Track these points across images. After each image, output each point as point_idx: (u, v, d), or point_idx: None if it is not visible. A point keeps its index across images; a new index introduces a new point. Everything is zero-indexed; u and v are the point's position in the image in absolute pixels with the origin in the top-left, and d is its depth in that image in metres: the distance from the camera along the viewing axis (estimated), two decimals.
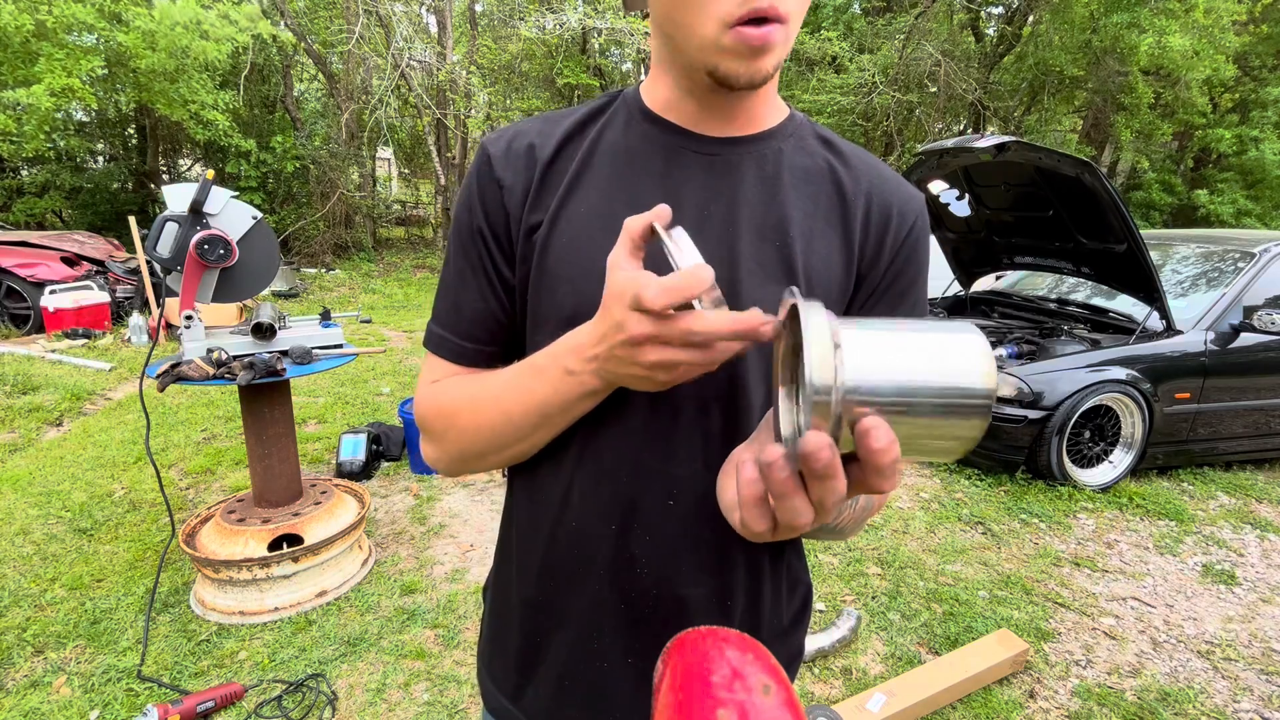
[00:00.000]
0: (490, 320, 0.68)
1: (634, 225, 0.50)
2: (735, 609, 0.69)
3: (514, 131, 0.67)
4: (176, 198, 2.19)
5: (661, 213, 0.50)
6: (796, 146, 0.68)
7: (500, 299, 0.67)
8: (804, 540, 0.84)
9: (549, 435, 0.63)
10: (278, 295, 8.52)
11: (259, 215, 2.33)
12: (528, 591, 0.72)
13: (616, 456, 0.64)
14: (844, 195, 0.67)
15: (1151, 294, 3.66)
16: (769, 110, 0.67)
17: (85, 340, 6.08)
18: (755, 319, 0.45)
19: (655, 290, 0.45)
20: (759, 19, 0.53)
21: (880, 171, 0.70)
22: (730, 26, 0.53)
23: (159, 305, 6.41)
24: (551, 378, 0.57)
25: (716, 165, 0.65)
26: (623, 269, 0.49)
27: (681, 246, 0.47)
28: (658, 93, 0.66)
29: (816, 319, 0.37)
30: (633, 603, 0.67)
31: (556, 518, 0.68)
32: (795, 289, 0.43)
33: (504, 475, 0.78)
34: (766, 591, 0.72)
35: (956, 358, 0.37)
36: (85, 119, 11.45)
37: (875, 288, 0.68)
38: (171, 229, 2.18)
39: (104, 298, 6.53)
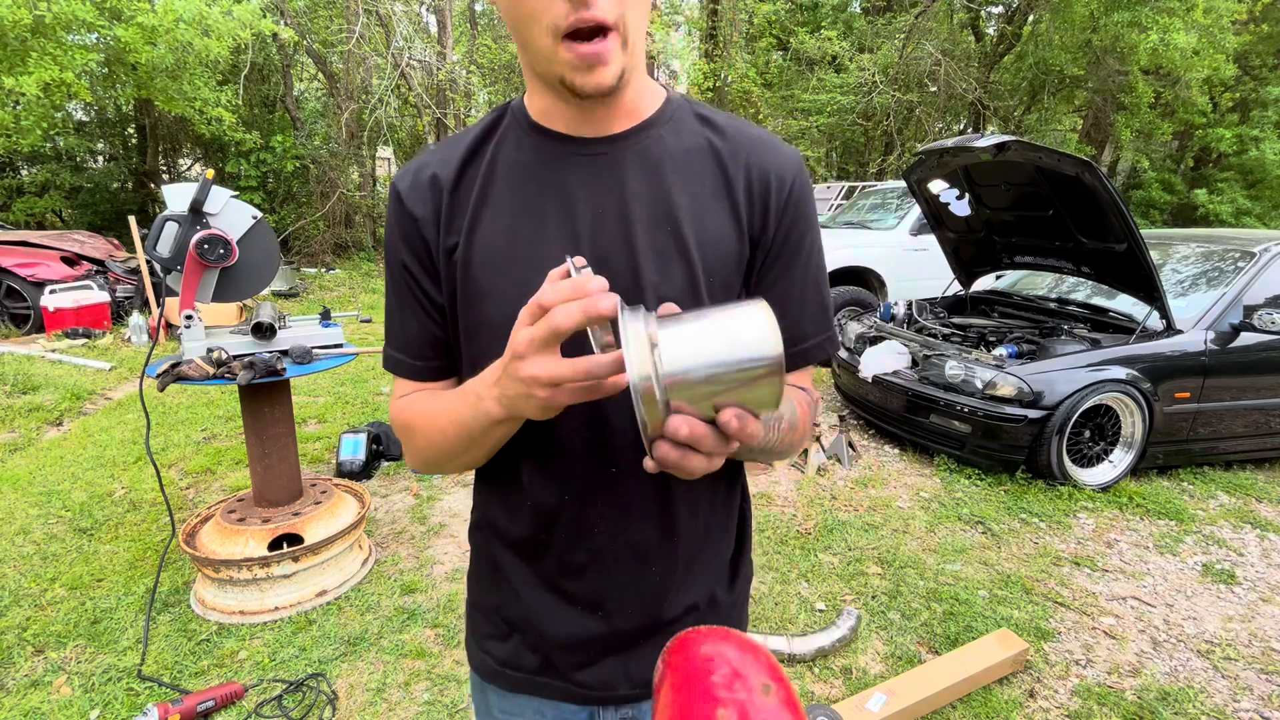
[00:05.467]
0: (431, 339, 0.75)
1: (553, 275, 0.55)
2: (681, 541, 0.77)
3: (417, 165, 0.73)
4: (176, 197, 2.19)
5: (575, 263, 0.55)
6: (675, 130, 0.72)
7: (435, 320, 0.74)
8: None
9: (481, 453, 0.69)
10: (278, 295, 8.51)
11: (259, 215, 2.33)
12: (501, 555, 0.80)
13: (564, 442, 0.71)
14: (724, 169, 0.71)
15: (1151, 293, 3.66)
16: (643, 100, 0.71)
17: (85, 340, 6.08)
18: (595, 287, 0.50)
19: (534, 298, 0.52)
20: (589, 31, 0.57)
21: (757, 139, 0.74)
22: (561, 38, 0.58)
23: (159, 305, 6.41)
24: (469, 403, 0.63)
25: (601, 164, 0.70)
26: (526, 309, 0.54)
27: (576, 271, 0.53)
28: (535, 102, 0.71)
29: (634, 325, 0.47)
30: (595, 557, 0.75)
31: (521, 494, 0.76)
32: (621, 303, 0.49)
33: None
34: (705, 520, 0.79)
35: (746, 332, 0.46)
36: (85, 118, 11.45)
37: (769, 250, 0.73)
38: (171, 228, 2.18)
39: (104, 297, 6.53)
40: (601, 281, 0.50)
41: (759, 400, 0.48)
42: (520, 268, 0.67)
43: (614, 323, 0.50)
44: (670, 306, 0.54)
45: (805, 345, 0.77)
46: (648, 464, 0.52)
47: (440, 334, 0.74)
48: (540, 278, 0.63)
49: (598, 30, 0.57)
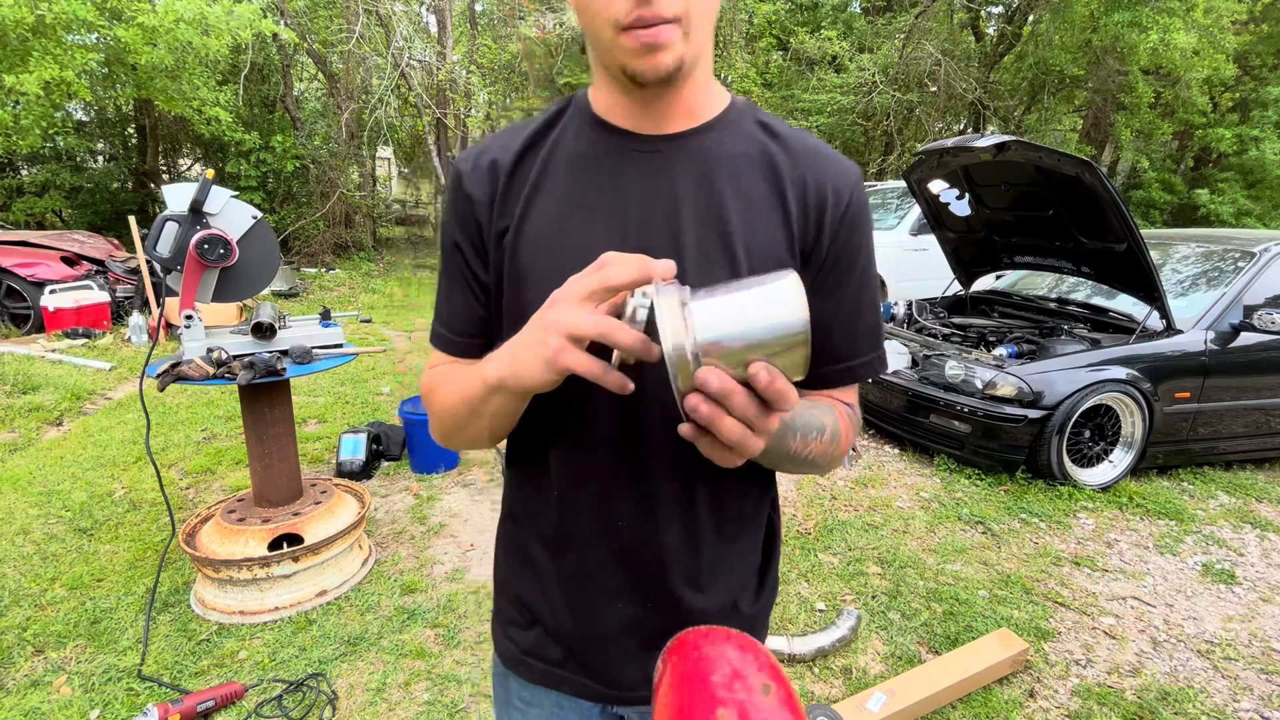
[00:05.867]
0: (475, 318, 0.76)
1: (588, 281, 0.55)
2: (705, 546, 0.77)
3: (480, 149, 0.75)
4: (176, 197, 2.19)
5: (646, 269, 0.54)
6: (734, 135, 0.72)
7: (480, 300, 0.76)
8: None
9: (483, 425, 0.69)
10: (278, 295, 8.51)
11: (259, 215, 2.33)
12: (529, 545, 0.81)
13: (592, 434, 0.72)
14: (780, 178, 0.71)
15: (1151, 293, 3.66)
16: (705, 103, 0.72)
17: (85, 340, 6.08)
18: (660, 269, 0.51)
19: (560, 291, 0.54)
20: (646, 25, 0.58)
21: (816, 151, 0.74)
22: (622, 30, 0.59)
23: (159, 305, 6.41)
24: (473, 374, 0.65)
25: (658, 163, 0.70)
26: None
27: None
28: (600, 96, 0.72)
29: (668, 294, 0.49)
30: (619, 553, 0.76)
31: (549, 485, 0.76)
32: (657, 281, 0.51)
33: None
34: (731, 528, 0.79)
35: (776, 300, 0.49)
36: (85, 118, 11.45)
37: (822, 264, 0.73)
38: (171, 228, 2.18)
39: (104, 297, 6.52)
40: (667, 264, 0.51)
41: (787, 366, 0.50)
42: (565, 257, 0.68)
43: (650, 320, 0.51)
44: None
45: (854, 363, 0.76)
46: (684, 429, 0.52)
47: (484, 314, 0.76)
48: (581, 269, 0.65)
49: (656, 23, 0.59)
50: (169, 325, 5.58)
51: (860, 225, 0.73)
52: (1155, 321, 3.75)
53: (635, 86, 0.65)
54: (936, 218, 4.72)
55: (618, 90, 0.69)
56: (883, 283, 6.26)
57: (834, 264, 0.73)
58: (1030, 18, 13.32)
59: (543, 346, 0.54)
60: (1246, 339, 3.73)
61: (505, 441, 0.81)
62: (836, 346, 0.74)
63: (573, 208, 0.70)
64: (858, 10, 14.44)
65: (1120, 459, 3.72)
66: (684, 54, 0.61)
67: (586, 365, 0.53)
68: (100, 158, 12.13)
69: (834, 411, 0.70)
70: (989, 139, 3.54)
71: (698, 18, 0.61)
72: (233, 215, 2.26)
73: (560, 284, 0.60)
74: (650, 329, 0.51)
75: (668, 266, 0.51)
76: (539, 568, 0.80)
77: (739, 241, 0.69)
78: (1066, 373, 3.53)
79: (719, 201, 0.69)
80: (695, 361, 0.48)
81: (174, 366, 2.16)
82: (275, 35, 9.08)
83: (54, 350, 5.68)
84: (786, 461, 0.66)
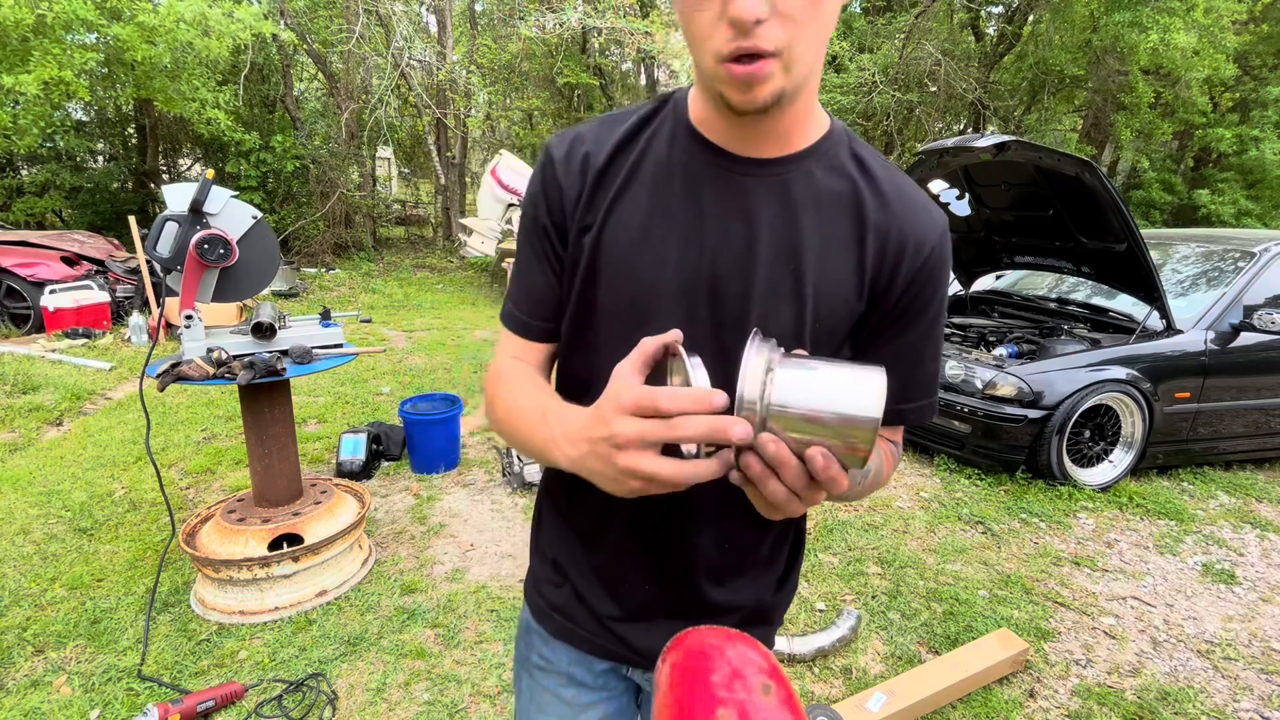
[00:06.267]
0: (552, 300, 0.77)
1: (648, 344, 0.56)
2: (733, 550, 0.80)
3: (574, 136, 0.75)
4: (176, 197, 2.19)
5: (675, 335, 0.55)
6: (827, 167, 0.71)
7: (558, 282, 0.77)
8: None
9: (544, 461, 0.70)
10: (278, 295, 8.51)
11: (259, 215, 2.33)
12: (567, 519, 0.85)
13: None
14: (864, 221, 0.70)
15: (1151, 293, 3.66)
16: (803, 130, 0.70)
17: (85, 340, 6.08)
18: (720, 403, 0.49)
19: (635, 392, 0.52)
20: (748, 56, 0.57)
21: (905, 195, 0.73)
22: (722, 61, 0.58)
23: (159, 305, 6.41)
24: (544, 434, 0.64)
25: (745, 186, 0.69)
26: (625, 379, 0.54)
27: (695, 369, 0.53)
28: (698, 103, 0.72)
29: (758, 350, 0.51)
30: (651, 546, 0.79)
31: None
32: (757, 331, 0.53)
33: None
34: (760, 536, 0.82)
35: (854, 392, 0.50)
36: (85, 118, 11.44)
37: (887, 312, 0.73)
38: (171, 228, 2.18)
39: (104, 297, 6.52)
40: (723, 396, 0.50)
41: (846, 455, 0.51)
42: (640, 264, 0.70)
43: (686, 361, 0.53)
44: (800, 352, 0.55)
45: (907, 406, 0.77)
46: (734, 477, 0.53)
47: (560, 298, 0.77)
48: (654, 278, 0.67)
49: (758, 56, 0.57)
50: (169, 325, 5.58)
51: (936, 279, 0.73)
52: (1155, 321, 3.75)
53: (731, 112, 0.64)
54: None
55: (714, 109, 0.68)
56: None
57: (901, 312, 0.73)
58: (1030, 18, 13.31)
59: (619, 485, 0.54)
60: (1246, 339, 3.73)
61: None
62: (894, 389, 0.75)
63: (654, 216, 0.70)
64: (858, 10, 14.42)
65: (1120, 459, 3.72)
66: (784, 86, 0.60)
67: (671, 479, 0.52)
68: (100, 158, 12.11)
69: (878, 450, 0.71)
70: (989, 139, 3.54)
71: (801, 50, 0.59)
72: (233, 215, 2.26)
73: (632, 290, 0.66)
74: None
75: (745, 432, 0.49)
76: (574, 545, 0.84)
77: (809, 280, 0.69)
78: (1066, 373, 3.53)
79: (797, 237, 0.69)
80: (762, 425, 0.50)
81: (174, 366, 2.16)
82: (275, 36, 9.08)
83: (54, 350, 5.68)
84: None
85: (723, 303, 0.69)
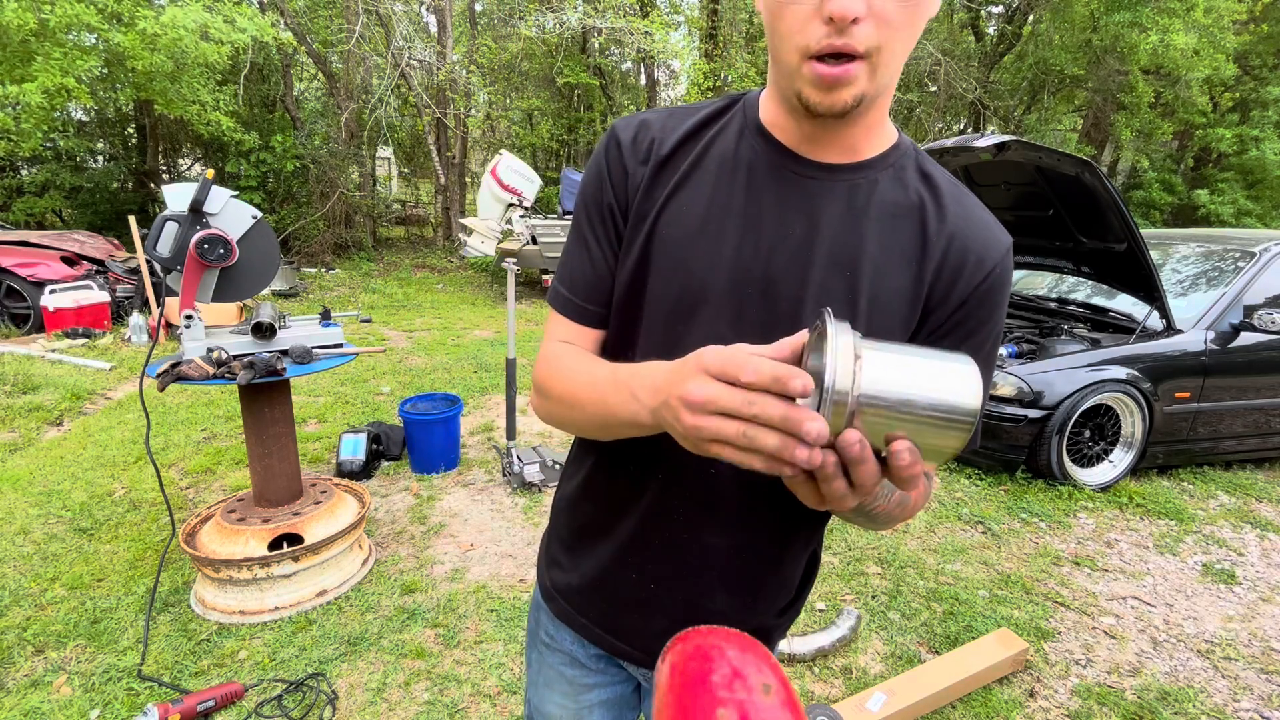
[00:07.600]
0: (604, 285, 0.76)
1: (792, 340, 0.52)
2: (751, 559, 0.78)
3: (641, 121, 0.74)
4: (176, 197, 2.19)
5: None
6: (893, 179, 0.70)
7: (613, 265, 0.75)
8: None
9: (607, 437, 0.69)
10: (278, 295, 8.51)
11: (259, 215, 2.33)
12: (585, 505, 0.85)
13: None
14: (926, 235, 0.69)
15: (1151, 293, 3.66)
16: (872, 140, 0.69)
17: (85, 340, 6.08)
18: (796, 388, 0.45)
19: (721, 356, 0.48)
20: (836, 55, 0.56)
21: (969, 213, 0.72)
22: (808, 59, 0.57)
23: (159, 305, 6.41)
24: (623, 395, 0.61)
25: (809, 190, 0.68)
26: (728, 343, 0.51)
27: (840, 334, 0.46)
28: (768, 106, 0.71)
29: (844, 337, 0.45)
30: (668, 546, 0.78)
31: (617, 466, 0.79)
32: (829, 311, 0.48)
33: None
34: (780, 550, 0.81)
35: (952, 381, 0.45)
36: (85, 119, 11.44)
37: (939, 327, 0.71)
38: (171, 228, 2.18)
39: (104, 297, 6.52)
40: (805, 380, 0.45)
41: (938, 448, 0.47)
42: (694, 255, 0.69)
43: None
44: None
45: None
46: (787, 470, 0.50)
47: (613, 282, 0.75)
48: (706, 271, 0.66)
49: (846, 57, 0.56)
50: (169, 325, 5.58)
51: (994, 300, 0.71)
52: (1155, 321, 3.75)
53: (806, 114, 0.63)
54: None
55: (786, 110, 0.67)
56: None
57: (952, 330, 0.71)
58: (1030, 18, 13.32)
59: (696, 444, 0.51)
60: (1246, 339, 3.73)
61: None
62: None
63: (713, 210, 0.69)
64: None
65: (1120, 459, 3.72)
66: (866, 90, 0.59)
67: (734, 458, 0.49)
68: (100, 158, 12.12)
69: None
70: (989, 139, 3.54)
71: (889, 55, 0.57)
72: (233, 215, 2.26)
73: (683, 281, 0.65)
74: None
75: (819, 430, 0.44)
76: (588, 529, 0.84)
77: (864, 289, 0.68)
78: (1066, 373, 3.53)
79: (856, 245, 0.68)
80: (849, 418, 0.45)
81: (174, 366, 2.16)
82: (275, 38, 9.07)
83: (54, 350, 5.68)
84: (850, 512, 0.63)
85: (774, 303, 0.68)
